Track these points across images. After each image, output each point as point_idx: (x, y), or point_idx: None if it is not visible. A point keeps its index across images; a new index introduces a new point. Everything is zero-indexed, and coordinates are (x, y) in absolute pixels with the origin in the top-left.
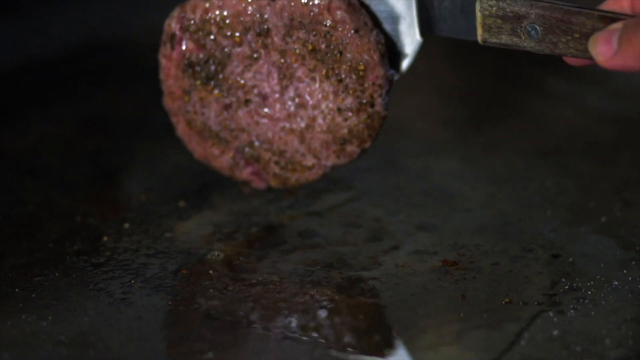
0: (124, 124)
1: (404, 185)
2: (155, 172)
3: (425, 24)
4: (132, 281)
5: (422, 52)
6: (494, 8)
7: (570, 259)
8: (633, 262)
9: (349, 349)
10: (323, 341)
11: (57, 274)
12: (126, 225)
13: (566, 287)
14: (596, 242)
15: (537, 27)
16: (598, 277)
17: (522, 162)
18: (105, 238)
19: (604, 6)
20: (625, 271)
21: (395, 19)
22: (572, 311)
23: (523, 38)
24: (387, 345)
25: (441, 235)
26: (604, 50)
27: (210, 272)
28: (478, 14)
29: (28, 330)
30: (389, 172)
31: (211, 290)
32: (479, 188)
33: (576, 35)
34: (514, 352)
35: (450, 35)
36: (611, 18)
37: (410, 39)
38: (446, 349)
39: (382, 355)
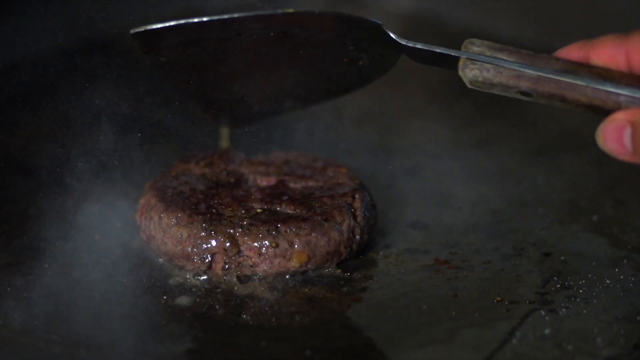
0: (117, 122)
1: (395, 184)
2: (149, 171)
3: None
4: (124, 280)
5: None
6: (480, 78)
7: (562, 258)
8: (624, 261)
9: (340, 347)
10: (315, 340)
11: (49, 273)
12: (118, 225)
13: (558, 285)
14: (588, 241)
15: (530, 93)
16: (589, 275)
17: (514, 160)
18: (97, 237)
19: (597, 57)
20: (616, 269)
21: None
22: (563, 309)
23: (517, 96)
24: (378, 344)
25: (433, 233)
26: (617, 148)
27: (202, 271)
28: (464, 79)
29: (19, 329)
30: (381, 170)
31: (203, 289)
32: (470, 187)
33: (573, 105)
34: (506, 350)
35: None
36: (605, 92)
37: (389, 57)
38: (438, 348)
39: (374, 353)
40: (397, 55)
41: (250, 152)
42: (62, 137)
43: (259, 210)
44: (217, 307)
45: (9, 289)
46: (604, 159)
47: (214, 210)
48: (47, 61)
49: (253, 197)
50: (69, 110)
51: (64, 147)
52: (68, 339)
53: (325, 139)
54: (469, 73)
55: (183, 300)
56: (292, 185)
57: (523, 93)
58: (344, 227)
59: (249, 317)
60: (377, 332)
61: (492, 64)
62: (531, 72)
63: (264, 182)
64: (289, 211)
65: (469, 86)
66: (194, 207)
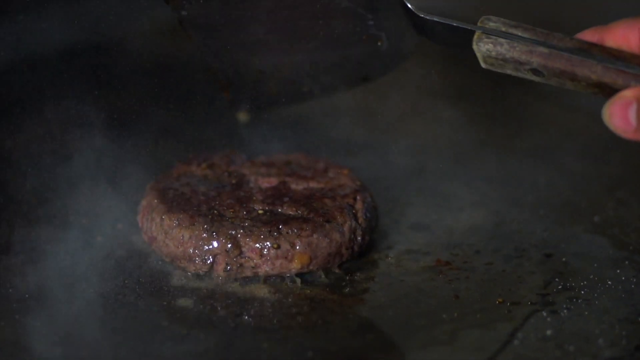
0: (119, 123)
1: (397, 185)
2: (151, 172)
3: (422, 32)
4: (126, 281)
5: (415, 52)
6: (493, 52)
7: (563, 259)
8: (626, 262)
9: (341, 348)
10: (316, 341)
11: (50, 275)
12: (120, 226)
13: (559, 286)
14: (589, 242)
15: (541, 71)
16: (591, 276)
17: (515, 161)
18: (98, 238)
19: (611, 38)
20: (618, 270)
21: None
22: (565, 311)
23: (528, 75)
24: (380, 345)
25: (434, 234)
26: (621, 126)
27: (204, 272)
28: (477, 53)
29: (22, 331)
30: (382, 171)
31: (205, 290)
32: (472, 188)
33: (583, 83)
34: (508, 351)
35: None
36: (616, 71)
37: (408, 37)
38: (439, 349)
39: (375, 354)
40: (414, 40)
41: (251, 153)
42: (63, 139)
43: (260, 212)
44: (219, 308)
45: (10, 290)
46: (605, 160)
47: (215, 212)
48: (49, 62)
49: (254, 198)
50: (71, 112)
51: (65, 149)
52: (70, 340)
53: (326, 140)
54: (482, 47)
55: (185, 302)
56: (293, 186)
57: (534, 71)
58: (346, 228)
59: (250, 319)
60: (379, 333)
61: (506, 39)
62: (544, 48)
63: (265, 183)
64: (290, 212)
65: (483, 64)
66: (195, 208)
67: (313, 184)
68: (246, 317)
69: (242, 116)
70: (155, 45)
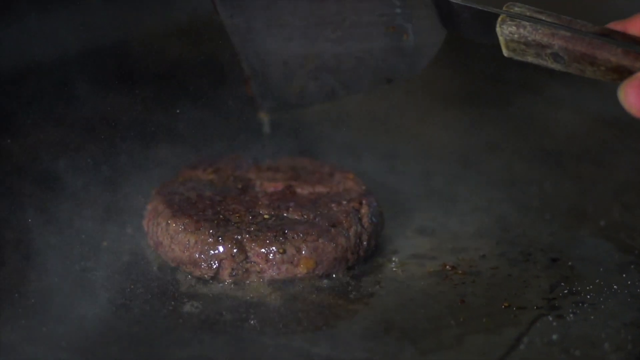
0: (124, 127)
1: (402, 189)
2: (156, 176)
3: (449, 24)
4: (132, 286)
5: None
6: (516, 35)
7: (569, 263)
8: (632, 266)
9: (347, 353)
10: (322, 346)
11: (56, 279)
12: (125, 231)
13: (565, 291)
14: (595, 246)
15: (562, 55)
16: (597, 281)
17: (521, 165)
18: (104, 243)
19: (633, 28)
20: (624, 275)
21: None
22: (571, 315)
23: (549, 62)
24: (386, 350)
25: (440, 239)
26: (635, 104)
27: (209, 277)
28: (500, 37)
29: (27, 336)
30: (388, 175)
31: (210, 295)
32: (478, 192)
33: (602, 68)
34: (514, 356)
35: (474, 40)
36: (635, 54)
37: (435, 31)
38: (445, 354)
39: (381, 359)
40: (440, 37)
41: (257, 158)
42: (68, 143)
43: (266, 216)
44: (224, 313)
45: (16, 295)
46: (612, 165)
47: (221, 216)
48: (55, 67)
49: (260, 203)
50: (76, 116)
51: (70, 153)
52: (75, 345)
53: (332, 144)
54: (506, 30)
55: (190, 307)
56: (299, 191)
57: (555, 57)
58: (351, 233)
59: (256, 323)
60: (385, 338)
61: (529, 22)
62: (565, 31)
63: (271, 187)
64: (296, 217)
65: (505, 51)
66: (201, 213)
67: (319, 189)
68: (252, 322)
69: (264, 117)
70: (162, 48)
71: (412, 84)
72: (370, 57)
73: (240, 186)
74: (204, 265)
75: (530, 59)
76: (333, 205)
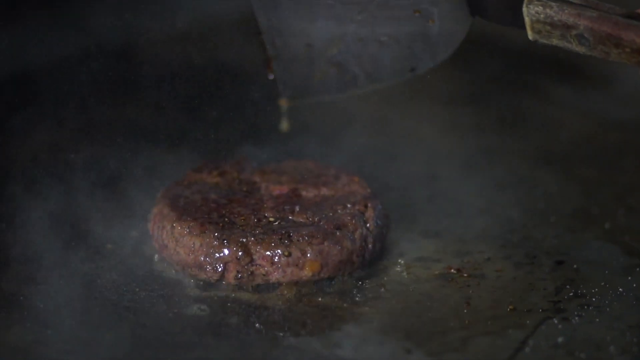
0: (126, 130)
1: (407, 192)
2: (159, 179)
3: (474, 8)
4: (137, 289)
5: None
6: (542, 15)
7: (575, 266)
8: (637, 269)
9: (352, 356)
10: (327, 348)
11: (61, 282)
12: (130, 234)
13: (570, 293)
14: (600, 249)
15: (587, 37)
16: (602, 283)
17: (526, 168)
18: (109, 246)
19: None
20: (629, 278)
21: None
22: (576, 318)
23: (574, 44)
24: (391, 353)
25: (445, 242)
26: None
27: (215, 280)
28: (526, 18)
29: (32, 339)
30: (393, 178)
31: (216, 298)
32: (482, 194)
33: (627, 50)
34: (519, 359)
35: (497, 23)
36: None
37: (461, 18)
38: (450, 357)
39: None
40: (465, 26)
41: (262, 161)
42: (73, 146)
43: (271, 219)
44: (230, 316)
45: (21, 298)
46: (617, 167)
47: (226, 219)
48: (60, 69)
49: (265, 205)
50: (80, 119)
51: (75, 156)
52: (80, 349)
53: (337, 147)
54: (532, 9)
55: (195, 310)
56: (304, 194)
57: (580, 39)
58: (357, 235)
59: (261, 326)
60: (390, 340)
61: (555, 1)
62: (592, 12)
63: (276, 190)
64: (301, 220)
65: (530, 34)
66: (206, 216)
67: (324, 192)
68: (257, 325)
69: (284, 103)
70: (168, 52)
71: (416, 86)
72: (395, 42)
73: (245, 189)
74: (209, 268)
75: (555, 41)
76: (338, 208)
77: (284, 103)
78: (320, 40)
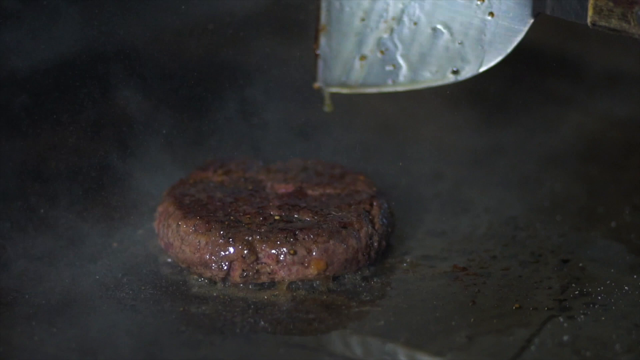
0: (131, 130)
1: (413, 191)
2: (167, 178)
3: (538, 2)
4: (142, 288)
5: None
6: None
7: (580, 264)
8: None
9: (358, 354)
10: (332, 347)
11: (67, 281)
12: (136, 233)
13: (576, 292)
14: (606, 247)
15: None
16: (608, 282)
17: (531, 167)
18: (114, 244)
19: None
20: (635, 276)
21: None
22: (582, 316)
23: (632, 24)
24: (397, 351)
25: (451, 240)
26: None
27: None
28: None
29: (38, 337)
30: (398, 177)
31: (221, 296)
32: (488, 193)
33: None
34: (524, 357)
35: (560, 16)
36: None
37: (521, 17)
38: (456, 355)
39: None
40: (523, 27)
41: (267, 159)
42: (79, 145)
43: (277, 218)
44: (235, 314)
45: (27, 296)
46: (622, 166)
47: (231, 218)
48: (65, 69)
49: (271, 204)
50: (86, 117)
51: (81, 155)
52: (86, 347)
53: (342, 145)
54: None
55: (201, 308)
56: (309, 192)
57: None
58: (362, 234)
59: (266, 324)
60: (396, 339)
61: None
62: None
63: (281, 189)
64: (306, 218)
65: (590, 15)
66: (211, 214)
67: (329, 190)
68: (262, 323)
69: (317, 87)
70: (174, 49)
71: None
72: (448, 32)
73: (250, 187)
74: (214, 266)
75: (614, 22)
76: (344, 206)
77: (317, 87)
78: (377, 16)
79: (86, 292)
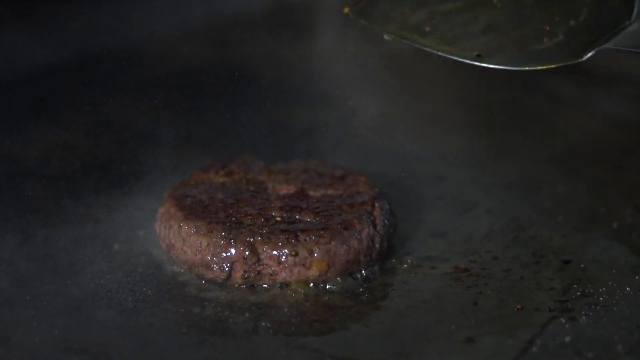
0: (134, 131)
1: (415, 192)
2: (168, 180)
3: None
4: (144, 289)
5: (434, 59)
6: None
7: (582, 265)
8: None
9: (359, 355)
10: (334, 348)
11: (68, 282)
12: (137, 234)
13: (578, 293)
14: (607, 248)
15: None
16: (610, 283)
17: (533, 167)
18: (116, 246)
19: None
20: (637, 277)
21: None
22: (584, 317)
23: None
24: (398, 352)
25: (452, 241)
26: None
27: (222, 279)
28: None
29: (39, 339)
30: (401, 178)
31: (223, 298)
32: (490, 194)
33: None
34: (526, 358)
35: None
36: None
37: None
38: (458, 356)
39: None
40: (617, 23)
41: (269, 161)
42: (80, 146)
43: (278, 219)
44: (237, 315)
45: (28, 297)
46: (624, 167)
47: (233, 219)
48: (66, 70)
49: (272, 205)
50: (88, 119)
51: (82, 156)
52: (87, 348)
53: (344, 146)
54: None
55: (202, 309)
56: (311, 193)
57: None
58: (364, 235)
59: (268, 325)
60: (397, 340)
61: None
62: None
63: (283, 190)
64: (308, 219)
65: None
66: (213, 215)
67: (331, 191)
68: (264, 324)
69: (347, 11)
70: (174, 52)
71: (424, 87)
72: (540, 15)
73: (252, 189)
74: (216, 267)
75: None
76: (345, 207)
77: (347, 11)
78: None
79: (87, 294)
